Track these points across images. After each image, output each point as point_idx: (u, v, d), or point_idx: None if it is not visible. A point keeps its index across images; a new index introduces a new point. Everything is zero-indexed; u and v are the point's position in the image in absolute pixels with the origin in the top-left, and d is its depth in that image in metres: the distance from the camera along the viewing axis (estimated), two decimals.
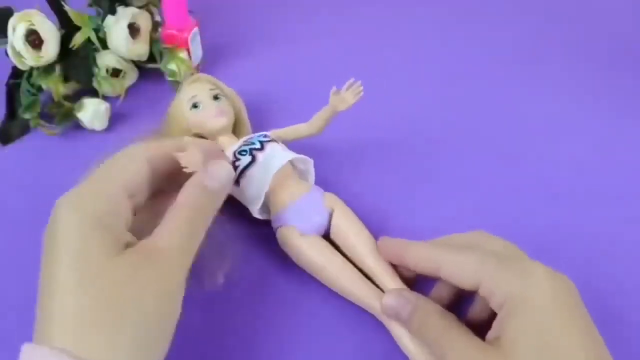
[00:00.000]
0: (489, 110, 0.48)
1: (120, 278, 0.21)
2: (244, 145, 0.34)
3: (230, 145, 0.36)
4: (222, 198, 0.27)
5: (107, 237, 0.21)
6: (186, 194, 0.25)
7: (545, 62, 0.54)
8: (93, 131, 0.44)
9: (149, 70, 0.49)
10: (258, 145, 0.34)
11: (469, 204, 0.39)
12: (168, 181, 0.27)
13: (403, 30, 0.60)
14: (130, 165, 0.25)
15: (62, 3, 0.43)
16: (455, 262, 0.26)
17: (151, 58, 0.48)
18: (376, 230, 0.36)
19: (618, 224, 0.37)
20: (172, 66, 0.47)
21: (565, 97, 0.49)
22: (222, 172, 0.27)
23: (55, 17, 0.45)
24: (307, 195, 0.33)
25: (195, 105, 0.36)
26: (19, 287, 0.33)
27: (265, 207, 0.34)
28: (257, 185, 0.33)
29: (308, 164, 0.36)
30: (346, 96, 0.36)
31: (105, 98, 0.46)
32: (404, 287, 0.29)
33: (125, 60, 0.47)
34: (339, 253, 0.32)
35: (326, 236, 0.33)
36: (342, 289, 0.30)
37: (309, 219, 0.32)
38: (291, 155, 0.34)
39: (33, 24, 0.41)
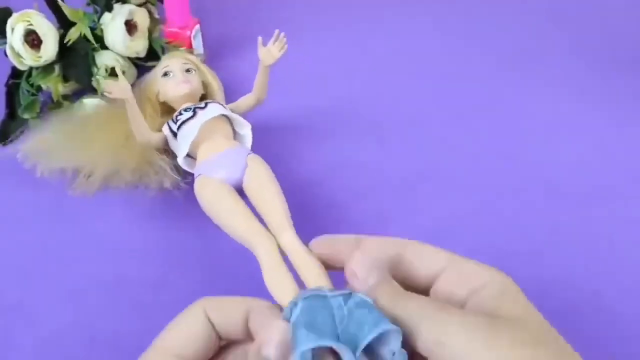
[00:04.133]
0: (489, 110, 0.47)
1: None
2: (194, 105, 0.37)
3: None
4: None
5: None
6: None
7: (546, 62, 0.54)
8: None
9: (148, 69, 0.49)
10: (202, 105, 0.37)
11: (469, 203, 0.38)
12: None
13: (403, 29, 0.60)
14: (186, 328, 0.22)
15: (59, 1, 0.43)
16: (421, 247, 0.24)
17: (150, 56, 0.48)
18: (376, 230, 0.36)
19: (618, 224, 0.37)
20: None
21: (565, 97, 0.49)
22: (275, 338, 0.24)
23: (53, 17, 0.45)
24: (230, 150, 0.35)
25: (165, 74, 0.40)
26: (19, 286, 0.33)
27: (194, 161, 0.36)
28: (187, 135, 0.35)
29: (246, 128, 0.37)
30: (272, 50, 0.38)
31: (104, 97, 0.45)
32: (300, 241, 0.28)
33: (123, 58, 0.47)
34: (241, 201, 0.32)
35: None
36: (234, 230, 0.30)
37: (223, 170, 0.33)
38: (225, 111, 0.37)
39: (32, 24, 0.41)
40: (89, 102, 0.43)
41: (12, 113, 0.44)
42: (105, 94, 0.35)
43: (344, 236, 0.25)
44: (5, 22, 0.42)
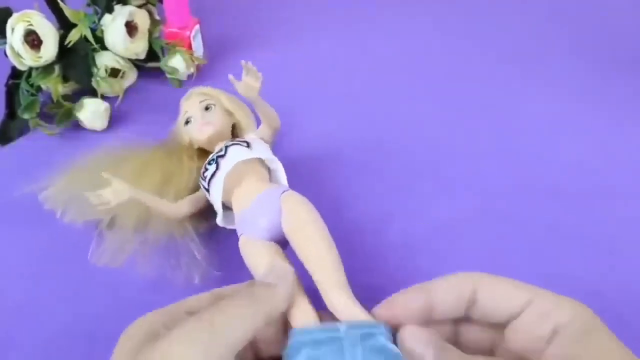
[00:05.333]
0: (488, 110, 0.47)
1: None
2: (216, 153, 0.34)
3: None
4: None
5: None
6: None
7: (546, 62, 0.54)
8: (93, 131, 0.44)
9: (148, 70, 0.49)
10: (222, 152, 0.33)
11: (469, 204, 0.38)
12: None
13: (403, 29, 0.60)
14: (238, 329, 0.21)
15: (59, 2, 0.43)
16: (496, 284, 0.22)
17: (151, 57, 0.48)
18: (376, 231, 0.36)
19: (618, 224, 0.37)
20: (173, 63, 0.47)
21: (565, 97, 0.49)
22: None
23: (54, 17, 0.45)
24: (260, 196, 0.30)
25: (187, 122, 0.37)
26: (18, 286, 0.33)
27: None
28: (215, 193, 0.32)
29: (276, 163, 0.34)
30: (249, 81, 0.35)
31: (105, 98, 0.45)
32: (356, 303, 0.24)
33: (124, 59, 0.47)
34: (283, 257, 0.28)
35: None
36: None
37: (255, 225, 0.29)
38: (243, 155, 0.33)
39: (32, 24, 0.41)
40: (88, 102, 0.43)
41: (12, 113, 0.44)
42: (99, 209, 0.31)
43: (409, 292, 0.23)
44: (5, 22, 0.42)
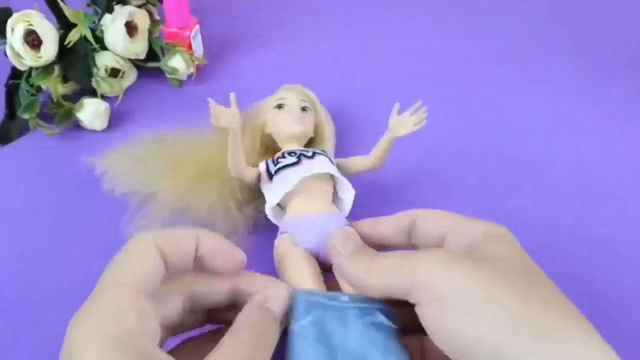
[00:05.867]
0: (488, 110, 0.47)
1: None
2: (301, 150, 0.33)
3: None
4: (280, 328, 0.23)
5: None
6: (247, 315, 0.22)
7: (546, 62, 0.54)
8: (93, 131, 0.44)
9: (148, 70, 0.49)
10: (310, 154, 0.33)
11: (468, 203, 0.38)
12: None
13: (403, 28, 0.60)
14: (139, 261, 0.21)
15: (59, 2, 0.43)
16: (431, 215, 0.26)
17: (151, 57, 0.48)
18: None
19: (618, 224, 0.37)
20: (173, 63, 0.47)
21: (565, 96, 0.49)
22: (283, 295, 0.24)
23: (54, 17, 0.45)
24: (328, 214, 0.30)
25: (280, 106, 0.36)
26: (18, 286, 0.33)
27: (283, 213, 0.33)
28: (284, 183, 0.31)
29: (348, 192, 0.33)
30: (407, 121, 0.34)
31: (105, 98, 0.45)
32: None
33: (123, 59, 0.47)
34: (321, 281, 0.27)
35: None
36: None
37: (312, 234, 0.29)
38: (333, 170, 0.32)
39: (32, 24, 0.41)
40: (88, 102, 0.43)
41: (12, 113, 0.44)
42: (211, 121, 0.31)
43: (362, 225, 0.28)
44: (5, 22, 0.42)
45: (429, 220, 0.25)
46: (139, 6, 0.48)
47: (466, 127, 0.45)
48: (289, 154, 0.33)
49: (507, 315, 0.18)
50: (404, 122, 0.34)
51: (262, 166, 0.34)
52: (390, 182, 0.40)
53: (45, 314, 0.31)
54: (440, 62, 0.54)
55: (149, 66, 0.49)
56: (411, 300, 0.21)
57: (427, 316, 0.20)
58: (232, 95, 0.32)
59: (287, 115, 0.36)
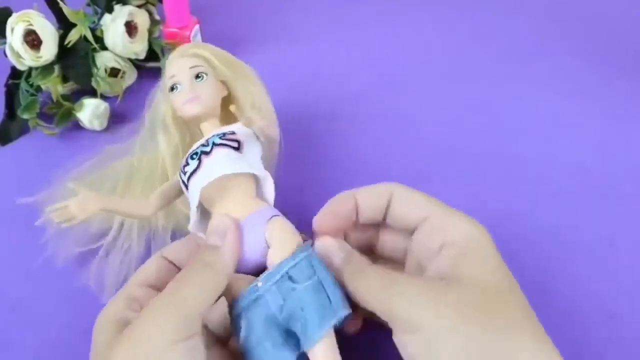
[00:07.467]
0: (488, 110, 0.47)
1: None
2: (202, 145, 0.29)
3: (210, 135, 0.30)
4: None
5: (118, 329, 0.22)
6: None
7: (546, 61, 0.54)
8: (92, 131, 0.44)
9: (148, 70, 0.49)
10: (208, 149, 0.28)
11: (467, 203, 0.38)
12: None
13: (402, 27, 0.60)
14: (146, 264, 0.27)
15: (59, 2, 0.43)
16: (409, 195, 0.26)
17: (151, 57, 0.48)
18: None
19: (618, 223, 0.37)
20: None
21: (565, 96, 0.49)
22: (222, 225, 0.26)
23: (53, 17, 0.45)
24: (252, 218, 0.26)
25: (173, 87, 0.31)
26: (17, 286, 0.33)
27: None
28: (191, 198, 0.28)
29: (266, 179, 0.29)
30: None
31: (105, 98, 0.45)
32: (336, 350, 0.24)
33: (123, 59, 0.47)
34: None
35: None
36: None
37: (245, 247, 0.26)
38: (231, 168, 0.27)
39: (31, 24, 0.41)
40: (88, 102, 0.43)
41: (11, 113, 0.44)
42: (64, 224, 0.28)
43: (338, 200, 0.27)
44: (5, 22, 0.42)
45: (407, 203, 0.25)
46: (139, 6, 0.48)
47: (466, 127, 0.45)
48: (191, 157, 0.29)
49: (469, 345, 0.20)
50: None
51: (179, 177, 0.30)
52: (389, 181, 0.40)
53: (46, 313, 0.31)
54: (440, 62, 0.54)
55: (149, 66, 0.49)
56: (389, 326, 0.22)
57: (401, 345, 0.21)
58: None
59: (179, 97, 0.31)
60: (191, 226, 0.28)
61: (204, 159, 0.28)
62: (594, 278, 0.34)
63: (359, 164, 0.42)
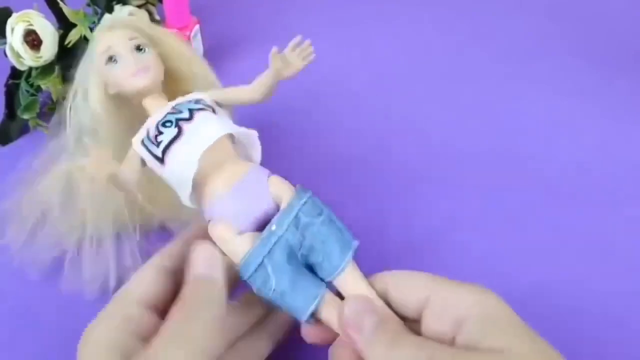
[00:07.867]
0: (488, 109, 0.47)
1: None
2: (170, 113, 0.27)
3: (158, 110, 0.28)
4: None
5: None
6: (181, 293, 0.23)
7: (546, 61, 0.54)
8: None
9: None
10: (186, 115, 0.27)
11: (467, 204, 0.38)
12: None
13: (402, 27, 0.60)
14: (142, 277, 0.25)
15: (59, 2, 0.43)
16: (405, 277, 0.24)
17: None
18: (374, 231, 0.36)
19: (618, 224, 0.37)
20: None
21: (565, 96, 0.49)
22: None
23: (54, 17, 0.45)
24: (244, 180, 0.26)
25: (111, 59, 0.29)
26: (17, 286, 0.33)
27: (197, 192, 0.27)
28: (183, 167, 0.26)
29: (250, 137, 0.28)
30: (292, 59, 0.29)
31: None
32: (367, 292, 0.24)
33: None
34: None
35: None
36: None
37: (244, 212, 0.25)
38: (228, 127, 0.27)
39: (31, 24, 0.41)
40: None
41: (11, 113, 0.44)
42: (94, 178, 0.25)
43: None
44: (5, 22, 0.42)
45: (402, 289, 0.23)
46: (139, 6, 0.48)
47: (466, 127, 0.45)
48: (163, 124, 0.27)
49: None
50: (288, 62, 0.29)
51: (140, 150, 0.27)
52: (389, 182, 0.40)
53: (47, 314, 0.31)
54: (440, 62, 0.54)
55: None
56: None
57: None
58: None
59: (124, 67, 0.28)
60: (185, 199, 0.26)
61: (185, 125, 0.26)
62: (593, 278, 0.34)
63: (359, 163, 0.42)
